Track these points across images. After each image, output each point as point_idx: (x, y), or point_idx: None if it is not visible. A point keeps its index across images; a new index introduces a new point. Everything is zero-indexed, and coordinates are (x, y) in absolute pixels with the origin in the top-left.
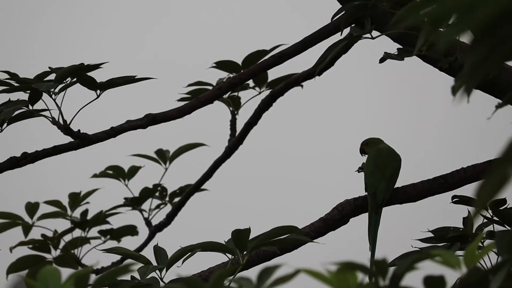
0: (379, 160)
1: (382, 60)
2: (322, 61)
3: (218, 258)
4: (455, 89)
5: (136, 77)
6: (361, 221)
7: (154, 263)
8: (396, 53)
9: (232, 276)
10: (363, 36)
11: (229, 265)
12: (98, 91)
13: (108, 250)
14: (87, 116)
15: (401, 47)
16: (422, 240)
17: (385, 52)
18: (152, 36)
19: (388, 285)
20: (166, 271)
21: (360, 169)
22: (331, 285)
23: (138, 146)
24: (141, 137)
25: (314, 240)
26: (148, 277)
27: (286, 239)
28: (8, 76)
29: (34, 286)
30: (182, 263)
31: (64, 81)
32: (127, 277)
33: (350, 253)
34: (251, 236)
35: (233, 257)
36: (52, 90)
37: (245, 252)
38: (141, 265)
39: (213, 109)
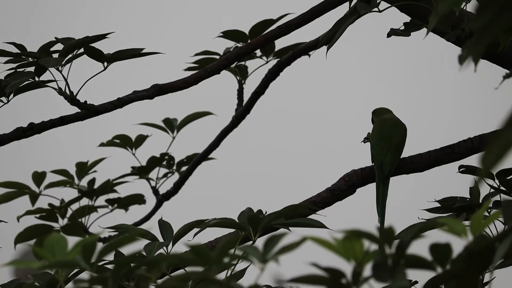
0: (384, 130)
1: (388, 35)
2: (331, 37)
3: (225, 230)
4: (462, 58)
5: (143, 51)
6: (368, 191)
7: (159, 236)
8: (402, 27)
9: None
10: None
11: (240, 237)
12: (105, 63)
13: (113, 227)
14: (94, 87)
15: (408, 21)
16: (429, 210)
17: (391, 28)
18: (160, 6)
19: (395, 253)
20: (173, 245)
21: (366, 139)
22: (338, 253)
23: (145, 117)
24: (148, 108)
25: (322, 212)
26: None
27: (299, 222)
28: (14, 48)
29: (41, 254)
30: (194, 236)
31: (71, 53)
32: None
33: (357, 223)
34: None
35: (243, 232)
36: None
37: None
38: (146, 240)
39: (220, 79)
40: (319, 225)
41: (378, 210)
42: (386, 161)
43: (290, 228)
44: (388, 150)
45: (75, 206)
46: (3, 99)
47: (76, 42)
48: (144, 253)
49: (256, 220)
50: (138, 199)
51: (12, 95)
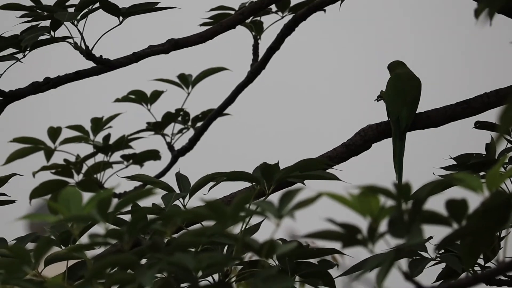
0: (399, 85)
1: None
2: None
3: (241, 185)
4: (478, 12)
5: (158, 6)
6: (383, 146)
7: (177, 189)
8: None
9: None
10: None
11: (255, 192)
12: (121, 18)
13: (131, 177)
14: (109, 43)
15: None
16: (444, 168)
17: None
18: None
19: (411, 209)
20: (189, 198)
21: (379, 98)
22: (354, 208)
23: (160, 73)
24: (163, 63)
25: (337, 167)
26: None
27: (313, 174)
28: (29, 2)
29: (56, 208)
30: (209, 190)
31: (87, 8)
32: (148, 202)
33: (372, 178)
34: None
35: (258, 186)
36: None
37: (271, 183)
38: (163, 191)
39: (235, 34)
40: (333, 177)
41: (395, 166)
42: (402, 116)
43: (305, 183)
44: (403, 105)
45: (90, 162)
46: (19, 54)
47: None
48: (158, 205)
49: (269, 172)
50: (153, 154)
51: (27, 50)
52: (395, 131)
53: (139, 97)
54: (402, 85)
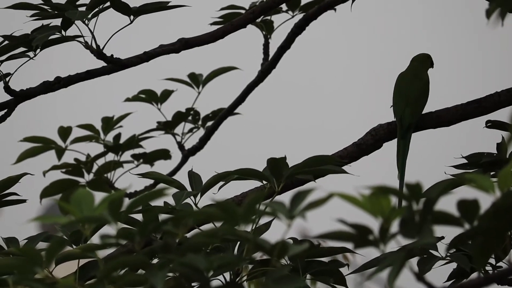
0: (402, 84)
1: None
2: None
3: (252, 185)
4: (489, 12)
5: (169, 4)
6: (395, 146)
7: (189, 188)
8: None
9: (266, 201)
10: None
11: (266, 190)
12: (132, 17)
13: (143, 175)
14: (120, 43)
15: None
16: (456, 167)
17: None
18: None
19: (422, 209)
20: (201, 196)
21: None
22: (365, 209)
23: (170, 72)
24: (174, 62)
25: (348, 170)
26: (182, 203)
27: (322, 169)
28: (41, 1)
29: (67, 209)
30: (218, 190)
31: (98, 7)
32: (160, 201)
33: (383, 177)
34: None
35: (268, 184)
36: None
37: (280, 180)
38: (175, 190)
39: (246, 34)
40: (342, 171)
41: (398, 165)
42: (405, 114)
43: (317, 184)
44: (406, 104)
45: (100, 161)
46: (30, 53)
47: None
48: (170, 203)
49: (278, 168)
50: (164, 154)
51: (39, 49)
52: (399, 130)
53: (149, 96)
54: (405, 85)
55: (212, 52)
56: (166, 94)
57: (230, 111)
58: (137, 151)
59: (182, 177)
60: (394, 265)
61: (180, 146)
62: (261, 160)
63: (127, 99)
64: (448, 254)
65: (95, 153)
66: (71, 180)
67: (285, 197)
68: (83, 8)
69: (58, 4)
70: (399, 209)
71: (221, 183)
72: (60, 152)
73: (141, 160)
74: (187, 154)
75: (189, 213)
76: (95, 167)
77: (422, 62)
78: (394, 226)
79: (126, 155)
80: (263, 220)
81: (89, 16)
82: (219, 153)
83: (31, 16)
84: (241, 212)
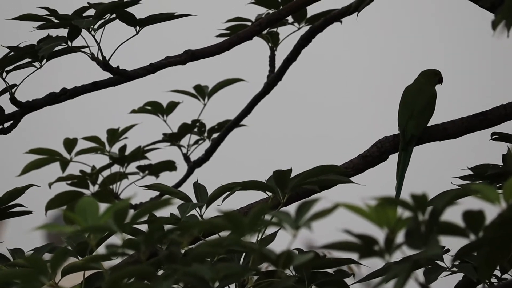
0: (407, 97)
1: None
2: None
3: (258, 197)
4: (495, 24)
5: (175, 14)
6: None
7: (194, 199)
8: None
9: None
10: None
11: (270, 201)
12: (137, 28)
13: (148, 187)
14: (126, 53)
15: None
16: (461, 178)
17: None
18: None
19: (428, 220)
20: (206, 208)
21: None
22: (371, 219)
23: (176, 82)
24: (180, 73)
25: (353, 180)
26: (187, 214)
27: (327, 178)
28: (47, 12)
29: (72, 218)
30: (223, 201)
31: (104, 18)
32: (165, 214)
33: (388, 189)
34: (291, 174)
35: (273, 195)
36: (92, 26)
37: (285, 191)
38: (180, 201)
39: (252, 46)
40: (347, 181)
41: (397, 176)
42: (408, 127)
43: (322, 195)
44: (409, 117)
45: (106, 173)
46: (36, 64)
47: (108, 5)
48: (176, 215)
49: (283, 179)
50: (169, 166)
51: (45, 60)
52: (401, 142)
53: (155, 108)
54: (410, 98)
55: (219, 64)
56: (172, 105)
57: (236, 122)
58: (143, 162)
59: (187, 188)
60: (400, 276)
61: (186, 157)
62: (267, 173)
63: (133, 111)
64: (454, 264)
65: (100, 165)
66: (76, 192)
67: (291, 209)
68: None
69: (65, 14)
70: (405, 219)
71: (225, 194)
72: (64, 163)
73: (147, 172)
74: (193, 166)
75: (195, 223)
76: (100, 179)
77: (429, 77)
78: (400, 237)
79: (132, 167)
80: (269, 230)
81: (96, 26)
82: (225, 165)
83: (38, 27)
84: (247, 222)
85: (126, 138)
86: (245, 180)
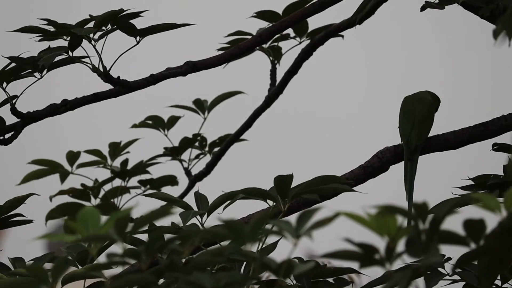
0: (407, 107)
1: (423, 9)
2: (362, 9)
3: (258, 207)
4: (496, 33)
5: (176, 24)
6: (401, 168)
7: (195, 209)
8: (436, 1)
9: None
10: None
11: (271, 210)
12: (138, 38)
13: (149, 195)
14: (127, 64)
15: None
16: (462, 188)
17: (426, 1)
18: None
19: (428, 228)
20: (207, 216)
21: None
22: (371, 228)
23: (177, 94)
24: (181, 85)
25: (354, 189)
26: (188, 223)
27: (328, 187)
28: (47, 23)
29: (73, 227)
30: (223, 210)
31: (104, 28)
32: (166, 223)
33: (389, 199)
34: (292, 185)
35: (274, 204)
36: (92, 36)
37: (286, 200)
38: (180, 210)
39: (253, 59)
40: (348, 189)
41: (406, 187)
42: (412, 136)
43: (323, 204)
44: (412, 126)
45: (107, 187)
46: (37, 74)
47: (108, 14)
48: (176, 223)
49: (284, 186)
50: (171, 180)
51: (45, 70)
52: (406, 152)
53: (156, 122)
54: (409, 107)
55: (219, 77)
56: (173, 120)
57: (237, 136)
58: (144, 177)
59: (188, 202)
60: (400, 284)
61: (187, 172)
62: (269, 186)
63: (134, 125)
64: (455, 272)
65: (101, 178)
66: (77, 203)
67: (291, 218)
68: None
69: (66, 24)
70: (406, 228)
71: (226, 203)
72: (64, 175)
73: (148, 186)
74: (194, 179)
75: (195, 232)
76: (102, 193)
77: (432, 95)
78: (400, 245)
79: (133, 181)
80: (270, 240)
81: (96, 37)
82: (226, 179)
83: (40, 40)
84: (247, 230)
85: (127, 152)
86: (246, 188)
